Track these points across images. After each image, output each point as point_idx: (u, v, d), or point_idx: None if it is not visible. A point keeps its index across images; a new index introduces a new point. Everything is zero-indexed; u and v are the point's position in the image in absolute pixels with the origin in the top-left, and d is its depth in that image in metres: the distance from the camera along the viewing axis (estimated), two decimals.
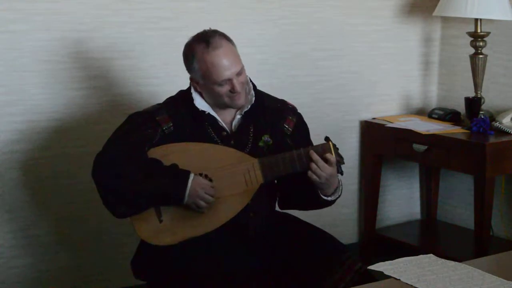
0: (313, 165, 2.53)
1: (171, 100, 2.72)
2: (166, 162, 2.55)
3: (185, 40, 2.68)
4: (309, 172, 2.54)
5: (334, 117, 3.91)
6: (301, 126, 2.79)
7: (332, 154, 2.55)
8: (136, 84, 3.41)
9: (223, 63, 2.56)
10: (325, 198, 2.64)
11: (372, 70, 3.98)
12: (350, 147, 3.98)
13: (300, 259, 2.56)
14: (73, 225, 3.37)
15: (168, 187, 2.51)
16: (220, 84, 2.58)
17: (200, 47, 2.58)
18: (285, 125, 2.73)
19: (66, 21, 3.24)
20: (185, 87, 2.76)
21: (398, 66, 4.05)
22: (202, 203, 2.52)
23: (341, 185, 2.68)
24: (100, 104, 3.35)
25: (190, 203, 2.52)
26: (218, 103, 2.64)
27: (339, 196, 2.68)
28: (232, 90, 2.58)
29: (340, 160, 2.60)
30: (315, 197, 2.63)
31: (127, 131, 2.61)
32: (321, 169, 2.53)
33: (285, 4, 3.70)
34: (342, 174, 2.64)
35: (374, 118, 3.97)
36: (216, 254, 2.54)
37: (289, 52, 3.74)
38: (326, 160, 2.54)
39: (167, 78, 3.43)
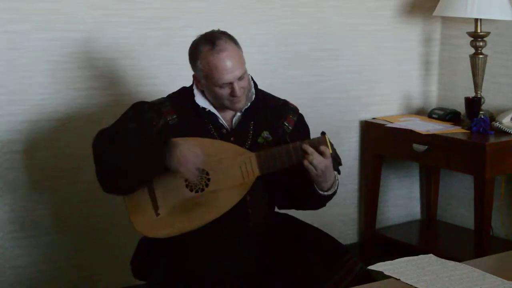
0: (309, 156, 2.54)
1: (174, 95, 2.76)
2: None
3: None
4: (305, 162, 2.54)
5: (334, 117, 3.91)
6: (302, 127, 2.80)
7: (328, 147, 2.57)
8: (136, 84, 3.41)
9: (225, 67, 2.57)
10: (321, 192, 2.64)
11: (372, 70, 3.98)
12: (350, 147, 3.98)
13: (301, 260, 2.55)
14: (73, 225, 3.36)
15: (156, 145, 2.52)
16: (221, 87, 2.60)
17: (206, 48, 2.60)
18: (285, 123, 2.75)
19: (66, 21, 3.24)
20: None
21: (398, 66, 4.05)
22: (191, 165, 2.51)
23: (338, 180, 2.69)
24: (100, 104, 3.35)
25: (182, 170, 2.50)
26: (218, 104, 2.67)
27: (335, 192, 2.69)
28: (233, 94, 2.61)
29: (335, 157, 2.62)
30: (311, 192, 2.64)
31: (132, 116, 2.68)
32: (316, 160, 2.54)
33: (285, 4, 3.70)
34: (339, 173, 2.65)
35: (374, 118, 3.97)
36: (216, 254, 2.53)
37: (289, 52, 3.74)
38: (322, 153, 2.55)
39: (167, 78, 3.43)
